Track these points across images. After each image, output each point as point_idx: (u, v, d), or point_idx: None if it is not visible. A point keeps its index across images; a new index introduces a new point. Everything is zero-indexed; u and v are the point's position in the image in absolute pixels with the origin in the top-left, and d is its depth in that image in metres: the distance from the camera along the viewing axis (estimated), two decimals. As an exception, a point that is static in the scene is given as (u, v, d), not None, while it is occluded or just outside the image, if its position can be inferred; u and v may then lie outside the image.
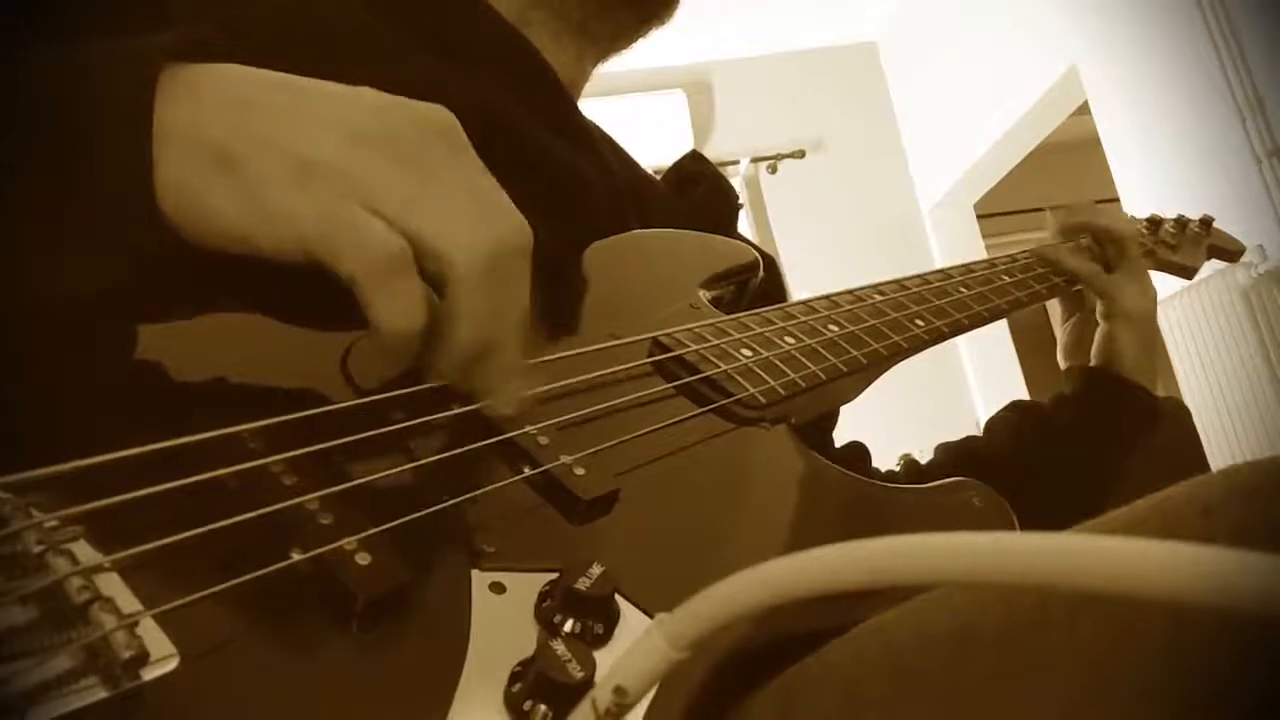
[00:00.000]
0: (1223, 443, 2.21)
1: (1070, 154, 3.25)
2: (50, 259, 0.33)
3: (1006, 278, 0.80)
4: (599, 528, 0.40)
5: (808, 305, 0.62)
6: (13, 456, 0.29)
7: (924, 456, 0.86)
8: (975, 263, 0.81)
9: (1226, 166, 2.25)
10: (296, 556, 0.32)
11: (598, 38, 0.71)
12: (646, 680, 0.27)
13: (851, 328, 0.61)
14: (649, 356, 0.51)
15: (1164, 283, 0.92)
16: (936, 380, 3.16)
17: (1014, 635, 0.31)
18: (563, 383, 0.45)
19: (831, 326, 0.60)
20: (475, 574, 0.35)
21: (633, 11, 0.71)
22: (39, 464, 0.30)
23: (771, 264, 0.70)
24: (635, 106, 3.17)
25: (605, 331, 0.51)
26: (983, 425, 0.87)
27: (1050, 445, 0.83)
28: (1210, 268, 1.09)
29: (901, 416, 2.21)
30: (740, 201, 0.83)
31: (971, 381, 3.33)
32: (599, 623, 0.34)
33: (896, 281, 0.70)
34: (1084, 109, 2.74)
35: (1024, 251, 0.87)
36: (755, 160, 3.43)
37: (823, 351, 0.57)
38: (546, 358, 0.46)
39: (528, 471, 0.40)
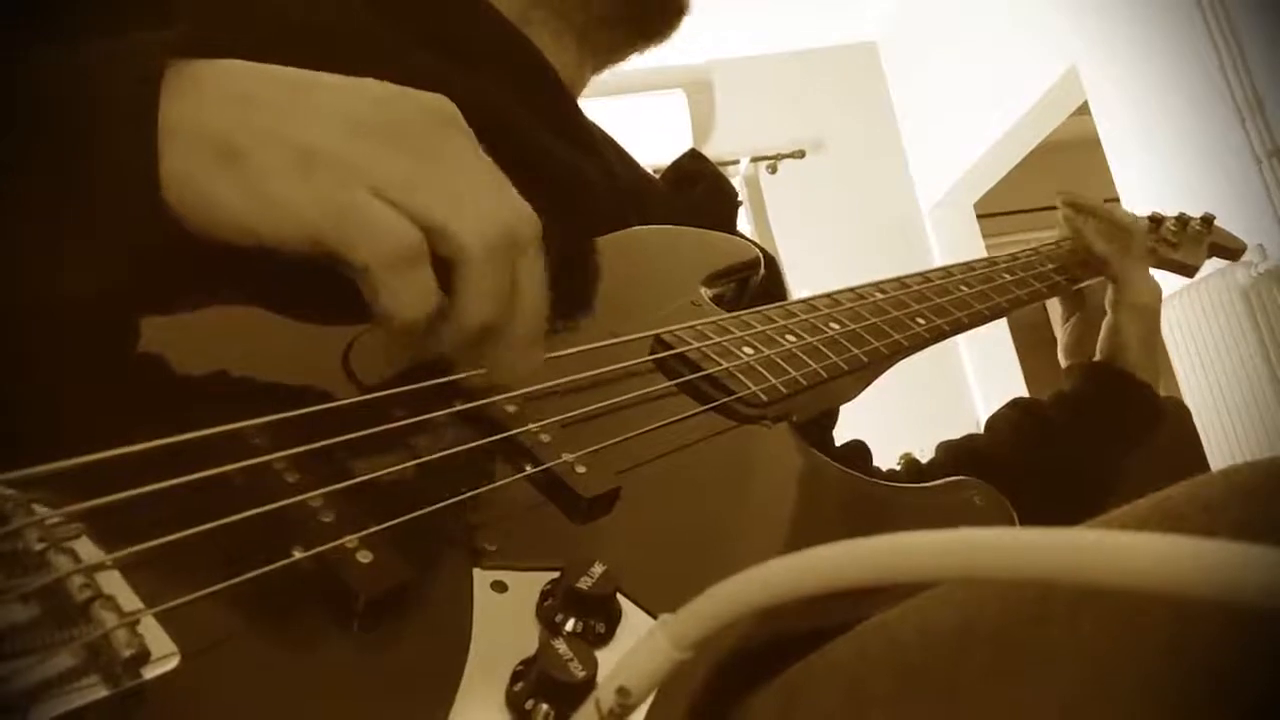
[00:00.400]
0: (1223, 443, 2.20)
1: (1070, 154, 3.25)
2: (50, 259, 0.34)
3: (1008, 276, 0.80)
4: (600, 526, 0.40)
5: (809, 303, 0.62)
6: (14, 455, 0.29)
7: (924, 455, 0.86)
8: (976, 261, 0.81)
9: (1226, 166, 2.25)
10: (298, 554, 0.32)
11: (597, 48, 0.71)
12: (650, 681, 0.27)
13: (853, 326, 0.61)
14: (651, 354, 0.51)
15: (1164, 282, 0.92)
16: (937, 379, 3.16)
17: (1016, 631, 0.31)
18: (564, 380, 0.45)
19: (833, 324, 0.60)
20: (477, 572, 0.35)
21: (633, 28, 0.72)
22: (40, 462, 0.30)
23: (772, 262, 0.70)
24: (635, 106, 3.16)
25: (607, 329, 0.51)
26: (983, 424, 0.87)
27: (1052, 443, 0.83)
28: (1210, 267, 1.09)
29: (902, 415, 2.20)
30: (739, 199, 0.83)
31: (971, 381, 3.33)
32: (600, 622, 0.34)
33: (898, 279, 0.70)
34: (1084, 109, 2.74)
35: (1029, 249, 0.87)
36: (755, 160, 3.42)
37: (824, 349, 0.57)
38: (548, 355, 0.46)
39: (529, 469, 0.40)
